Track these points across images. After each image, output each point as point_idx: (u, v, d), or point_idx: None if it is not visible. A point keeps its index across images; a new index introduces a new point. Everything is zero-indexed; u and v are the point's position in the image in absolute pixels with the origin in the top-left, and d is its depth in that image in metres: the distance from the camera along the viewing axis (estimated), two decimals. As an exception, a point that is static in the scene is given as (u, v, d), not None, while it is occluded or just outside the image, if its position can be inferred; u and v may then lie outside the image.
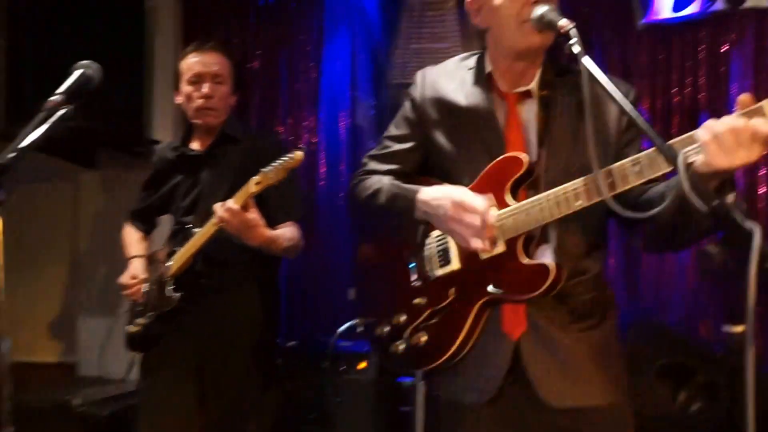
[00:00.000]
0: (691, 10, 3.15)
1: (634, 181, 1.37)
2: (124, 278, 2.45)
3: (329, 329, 3.54)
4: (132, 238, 2.61)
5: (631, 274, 3.15)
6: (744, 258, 0.97)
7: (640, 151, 1.43)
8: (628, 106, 1.32)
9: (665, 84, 3.21)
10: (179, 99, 2.44)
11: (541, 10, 1.50)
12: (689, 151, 1.28)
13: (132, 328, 2.40)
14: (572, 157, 1.56)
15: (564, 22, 1.42)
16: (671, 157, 1.17)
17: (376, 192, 1.70)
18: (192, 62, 2.39)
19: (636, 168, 1.36)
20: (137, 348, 2.44)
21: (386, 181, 1.72)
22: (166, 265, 2.34)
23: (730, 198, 1.28)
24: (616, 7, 3.30)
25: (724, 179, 1.28)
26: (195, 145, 2.48)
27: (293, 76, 3.92)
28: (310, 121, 3.87)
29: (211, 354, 2.30)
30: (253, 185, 2.04)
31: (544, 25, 1.50)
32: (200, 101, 2.36)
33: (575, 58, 1.38)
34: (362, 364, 3.04)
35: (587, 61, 1.34)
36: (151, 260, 2.51)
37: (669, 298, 3.12)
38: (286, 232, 2.30)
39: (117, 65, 3.38)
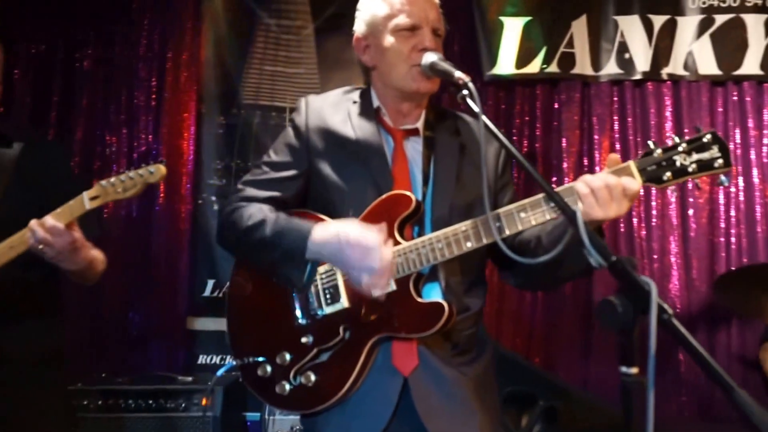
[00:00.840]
0: (530, 69, 3.59)
1: (521, 227, 1.54)
2: None
3: (165, 362, 3.38)
4: None
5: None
6: (639, 308, 1.14)
7: (514, 194, 1.62)
8: (525, 161, 1.47)
9: (507, 131, 3.58)
10: None
11: (432, 57, 1.64)
12: (569, 201, 1.48)
13: None
14: (456, 197, 1.69)
15: (460, 74, 1.55)
16: (570, 214, 1.33)
17: (260, 224, 1.66)
18: None
19: (522, 214, 1.54)
20: None
21: (270, 213, 1.69)
22: None
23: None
24: (466, 57, 3.61)
25: (594, 228, 1.50)
26: None
27: (131, 82, 3.70)
28: (148, 132, 3.67)
29: None
30: (87, 200, 1.80)
31: (436, 73, 1.63)
32: None
33: (457, 104, 1.52)
34: (204, 401, 2.91)
35: (484, 118, 1.48)
36: None
37: (508, 330, 3.45)
38: (99, 254, 2.04)
39: None
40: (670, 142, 1.48)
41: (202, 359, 3.45)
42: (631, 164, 1.49)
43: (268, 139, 3.57)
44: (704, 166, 1.45)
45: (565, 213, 1.36)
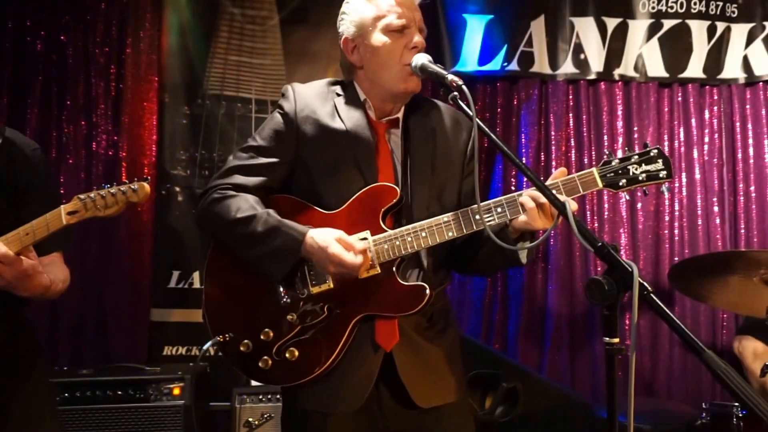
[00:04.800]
0: (491, 66, 3.84)
1: (497, 220, 1.78)
2: None
3: (129, 354, 3.43)
4: None
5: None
6: (622, 286, 1.37)
7: (472, 182, 1.83)
8: (515, 157, 1.68)
9: (468, 128, 3.78)
10: None
11: (422, 59, 1.82)
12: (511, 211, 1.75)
13: None
14: (432, 185, 1.90)
15: (453, 78, 1.74)
16: (560, 206, 1.56)
17: (250, 218, 1.79)
18: None
19: (499, 209, 1.78)
20: None
21: (260, 208, 1.82)
22: None
23: (528, 243, 1.79)
24: (430, 53, 3.78)
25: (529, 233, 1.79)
26: None
27: (88, 68, 3.69)
28: (108, 122, 3.68)
29: None
30: (64, 216, 1.75)
31: (427, 74, 1.82)
32: None
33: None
34: (176, 390, 3.01)
35: (478, 120, 1.69)
36: None
37: (467, 316, 3.70)
38: (59, 273, 1.97)
39: None
40: (621, 153, 1.77)
41: (167, 350, 3.52)
42: (594, 171, 1.76)
43: (233, 129, 3.67)
44: (652, 176, 1.75)
45: (556, 205, 1.57)
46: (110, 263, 3.58)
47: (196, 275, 3.56)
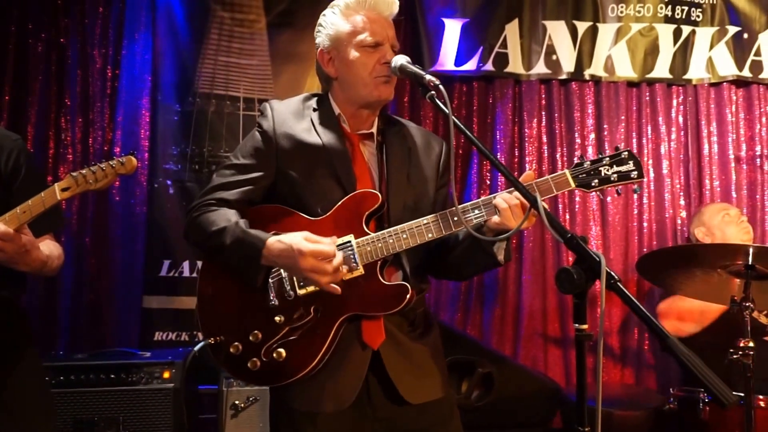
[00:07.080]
0: (468, 66, 3.69)
1: (475, 221, 1.68)
2: None
3: (121, 340, 3.32)
4: None
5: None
6: (591, 275, 1.26)
7: (446, 193, 1.78)
8: (490, 154, 1.56)
9: (447, 124, 3.65)
10: None
11: (401, 60, 1.71)
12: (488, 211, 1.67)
13: None
14: (407, 195, 1.80)
15: (430, 78, 1.62)
16: (531, 199, 1.45)
17: (221, 231, 1.70)
18: None
19: (476, 211, 1.68)
20: None
21: (232, 218, 1.73)
22: None
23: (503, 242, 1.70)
24: (409, 54, 3.65)
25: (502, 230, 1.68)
26: None
27: (86, 69, 3.55)
28: (103, 120, 3.54)
29: None
30: (58, 192, 1.72)
31: (406, 75, 1.70)
32: None
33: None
34: (166, 374, 2.89)
35: (453, 118, 1.57)
36: None
37: (445, 305, 3.58)
38: (54, 249, 1.95)
39: None
40: (592, 151, 1.65)
41: (158, 336, 3.39)
42: (566, 173, 1.68)
43: (222, 126, 3.54)
44: (623, 176, 1.67)
45: (528, 198, 1.47)
46: (105, 253, 3.44)
47: (185, 264, 3.41)
